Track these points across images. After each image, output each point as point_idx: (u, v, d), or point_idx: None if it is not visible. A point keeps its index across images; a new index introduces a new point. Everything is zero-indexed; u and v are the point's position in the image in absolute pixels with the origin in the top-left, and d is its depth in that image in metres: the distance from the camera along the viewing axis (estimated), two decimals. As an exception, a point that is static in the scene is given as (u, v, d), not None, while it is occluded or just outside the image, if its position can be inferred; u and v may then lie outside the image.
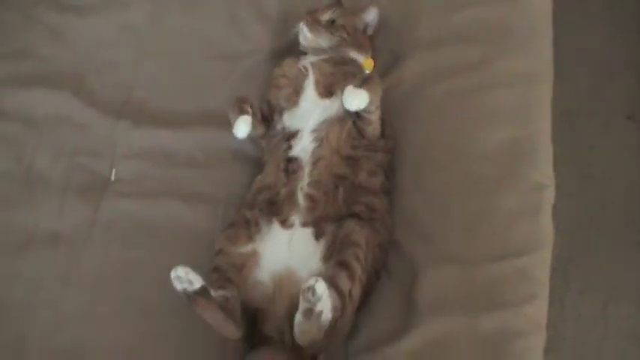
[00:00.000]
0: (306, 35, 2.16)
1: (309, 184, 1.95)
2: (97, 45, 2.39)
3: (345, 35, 2.16)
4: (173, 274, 1.73)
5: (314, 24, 2.16)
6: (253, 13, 2.40)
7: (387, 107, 2.12)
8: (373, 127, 2.01)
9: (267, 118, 2.14)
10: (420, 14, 2.28)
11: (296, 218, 1.92)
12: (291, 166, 1.99)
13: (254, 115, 2.07)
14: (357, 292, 1.79)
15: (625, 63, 2.97)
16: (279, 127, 2.09)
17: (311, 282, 1.66)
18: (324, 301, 1.67)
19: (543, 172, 2.01)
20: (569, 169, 2.63)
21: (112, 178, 2.18)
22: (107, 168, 2.19)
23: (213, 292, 1.77)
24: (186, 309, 1.76)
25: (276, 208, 1.95)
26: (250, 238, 1.91)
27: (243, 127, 2.04)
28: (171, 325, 1.94)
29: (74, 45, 2.40)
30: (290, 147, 2.02)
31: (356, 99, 1.92)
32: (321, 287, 1.66)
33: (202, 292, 1.74)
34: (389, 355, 1.86)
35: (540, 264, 1.90)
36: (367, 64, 2.18)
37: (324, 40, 2.16)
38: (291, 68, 2.15)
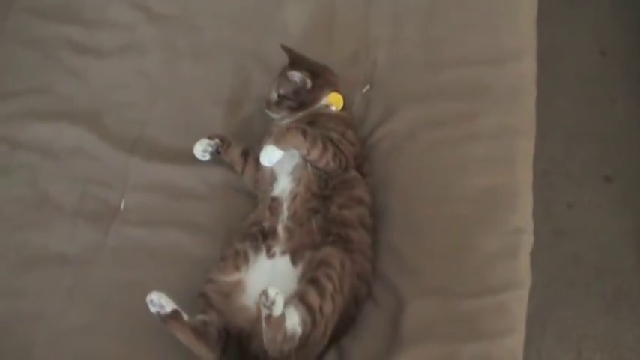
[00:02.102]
0: (271, 116, 2.33)
1: (287, 217, 2.09)
2: (112, 86, 2.51)
3: (290, 103, 2.30)
4: (147, 298, 1.90)
5: (268, 106, 2.33)
6: (257, 64, 2.54)
7: (380, 153, 2.29)
8: (324, 163, 2.13)
9: (254, 158, 2.27)
10: (412, 72, 2.42)
11: (277, 248, 2.05)
12: (273, 204, 2.13)
13: (229, 148, 2.31)
14: (329, 309, 1.90)
15: (599, 128, 3.11)
16: (268, 170, 2.21)
17: (264, 288, 1.81)
18: (278, 305, 1.80)
19: (523, 218, 2.12)
20: (546, 224, 2.76)
21: (122, 207, 2.29)
22: (117, 198, 2.30)
23: (187, 316, 1.92)
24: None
25: (262, 240, 2.08)
26: (237, 269, 2.05)
27: (198, 147, 2.31)
28: (167, 342, 2.00)
29: (91, 84, 2.51)
30: (272, 189, 2.16)
31: (266, 156, 2.09)
32: (273, 291, 1.80)
33: (174, 314, 1.91)
34: (374, 379, 1.95)
35: (518, 301, 2.00)
36: (332, 100, 2.32)
37: (280, 115, 2.31)
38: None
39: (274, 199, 2.14)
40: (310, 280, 1.93)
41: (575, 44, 3.31)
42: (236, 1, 2.69)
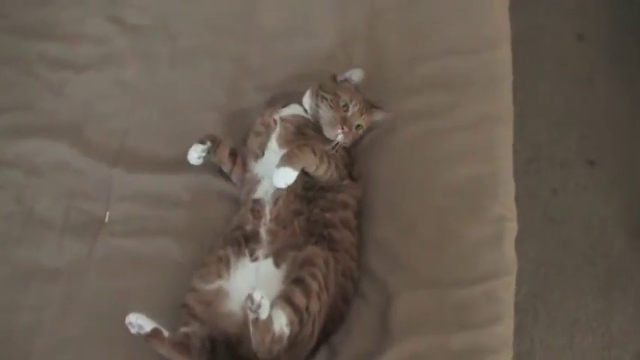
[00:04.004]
0: (339, 141, 2.22)
1: (270, 220, 2.11)
2: (92, 98, 2.51)
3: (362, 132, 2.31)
4: (126, 320, 1.95)
5: (349, 135, 2.24)
6: (236, 66, 2.54)
7: (362, 148, 2.31)
8: (327, 178, 2.15)
9: (242, 159, 2.30)
10: (390, 66, 2.45)
11: (260, 252, 2.06)
12: (255, 206, 2.14)
13: (218, 147, 2.28)
14: (315, 308, 1.91)
15: (580, 113, 3.13)
16: (254, 171, 2.25)
17: (249, 292, 1.82)
18: (265, 309, 1.81)
19: (505, 205, 2.14)
20: (532, 211, 2.78)
21: (106, 219, 2.29)
22: (102, 210, 2.30)
23: (167, 333, 1.95)
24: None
25: (244, 244, 2.08)
26: (219, 276, 2.05)
27: (192, 154, 2.27)
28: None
29: (71, 99, 2.51)
30: (255, 190, 2.18)
31: (281, 178, 2.07)
32: (258, 295, 1.81)
33: (153, 333, 1.94)
34: (366, 373, 1.96)
35: (506, 288, 2.02)
36: None
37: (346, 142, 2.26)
38: (269, 118, 2.30)
39: (256, 201, 2.16)
40: (295, 280, 1.93)
41: (553, 29, 3.34)
42: (210, 6, 2.70)
